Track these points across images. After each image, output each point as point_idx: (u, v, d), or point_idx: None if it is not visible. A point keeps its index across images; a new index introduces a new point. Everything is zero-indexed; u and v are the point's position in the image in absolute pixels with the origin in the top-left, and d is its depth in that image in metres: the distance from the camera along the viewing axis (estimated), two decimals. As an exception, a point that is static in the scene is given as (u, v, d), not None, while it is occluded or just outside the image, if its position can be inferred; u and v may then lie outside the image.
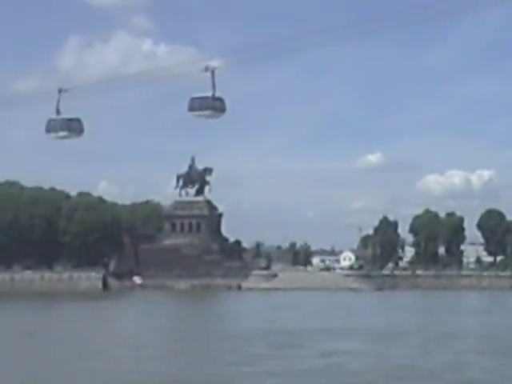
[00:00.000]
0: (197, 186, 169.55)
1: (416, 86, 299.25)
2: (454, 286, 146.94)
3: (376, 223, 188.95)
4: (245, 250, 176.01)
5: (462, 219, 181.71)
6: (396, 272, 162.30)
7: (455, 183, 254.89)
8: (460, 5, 35.73)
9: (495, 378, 40.09)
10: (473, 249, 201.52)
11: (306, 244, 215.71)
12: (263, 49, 37.61)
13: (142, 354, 48.75)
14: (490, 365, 44.39)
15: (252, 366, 42.97)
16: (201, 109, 35.97)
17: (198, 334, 64.06)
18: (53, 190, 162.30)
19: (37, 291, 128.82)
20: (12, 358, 47.61)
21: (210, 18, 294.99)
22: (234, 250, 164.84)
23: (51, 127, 38.43)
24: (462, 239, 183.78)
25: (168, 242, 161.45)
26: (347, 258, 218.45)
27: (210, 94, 35.52)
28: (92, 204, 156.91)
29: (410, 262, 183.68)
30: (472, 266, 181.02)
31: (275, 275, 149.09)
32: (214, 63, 35.21)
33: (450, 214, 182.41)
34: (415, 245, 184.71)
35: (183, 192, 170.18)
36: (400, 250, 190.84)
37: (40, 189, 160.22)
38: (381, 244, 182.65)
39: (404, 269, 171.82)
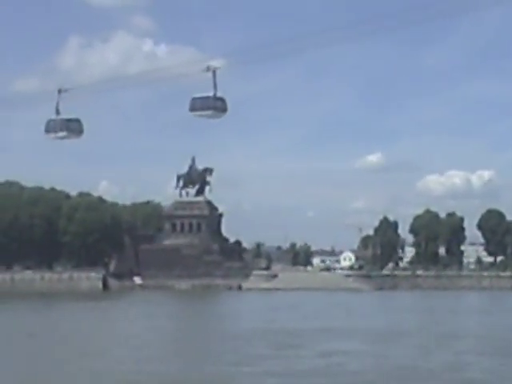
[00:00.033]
0: (197, 187, 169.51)
1: (416, 86, 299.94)
2: (454, 286, 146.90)
3: (376, 223, 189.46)
4: (245, 250, 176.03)
5: (462, 219, 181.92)
6: (396, 272, 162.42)
7: (455, 183, 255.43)
8: (460, 5, 35.70)
9: (495, 378, 40.09)
10: (473, 249, 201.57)
11: (306, 244, 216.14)
12: (264, 49, 37.56)
13: (142, 354, 48.75)
14: (490, 365, 44.38)
15: (252, 366, 42.97)
16: (202, 109, 35.93)
17: (199, 334, 64.04)
18: (53, 190, 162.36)
19: (37, 291, 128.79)
20: (12, 357, 47.62)
21: (210, 18, 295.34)
22: (234, 251, 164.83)
23: (50, 127, 38.39)
24: (462, 239, 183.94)
25: (168, 242, 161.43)
26: (347, 259, 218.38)
27: (211, 94, 35.52)
28: (92, 204, 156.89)
29: (410, 262, 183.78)
30: (472, 266, 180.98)
31: (275, 275, 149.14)
32: (215, 63, 35.21)
33: (451, 214, 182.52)
34: (415, 245, 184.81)
35: (183, 192, 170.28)
36: (400, 251, 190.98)
37: (40, 189, 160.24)
38: (381, 244, 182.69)
39: (404, 269, 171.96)
